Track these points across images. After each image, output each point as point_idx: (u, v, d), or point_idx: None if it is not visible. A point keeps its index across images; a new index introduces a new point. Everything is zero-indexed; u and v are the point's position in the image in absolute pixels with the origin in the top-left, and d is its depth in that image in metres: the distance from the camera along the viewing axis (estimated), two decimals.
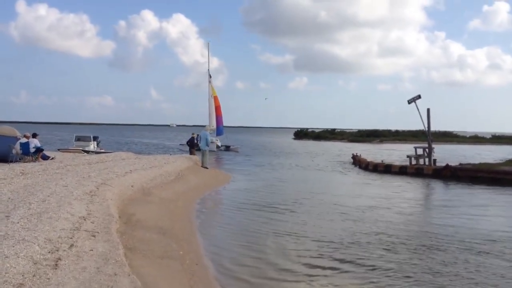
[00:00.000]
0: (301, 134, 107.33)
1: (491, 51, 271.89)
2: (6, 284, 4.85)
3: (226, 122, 50.41)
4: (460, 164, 27.74)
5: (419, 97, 29.05)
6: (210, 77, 49.35)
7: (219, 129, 48.01)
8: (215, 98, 48.05)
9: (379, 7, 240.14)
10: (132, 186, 13.41)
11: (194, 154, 27.44)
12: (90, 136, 34.55)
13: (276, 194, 18.24)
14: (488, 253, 9.80)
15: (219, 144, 47.65)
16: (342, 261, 9.04)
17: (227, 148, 49.21)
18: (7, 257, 5.50)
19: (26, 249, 5.87)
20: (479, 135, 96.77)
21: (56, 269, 5.51)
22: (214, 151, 42.66)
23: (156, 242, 8.31)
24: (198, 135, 27.35)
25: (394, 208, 15.36)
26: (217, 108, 47.80)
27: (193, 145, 28.36)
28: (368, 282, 7.85)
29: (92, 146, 32.98)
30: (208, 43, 52.26)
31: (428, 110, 28.99)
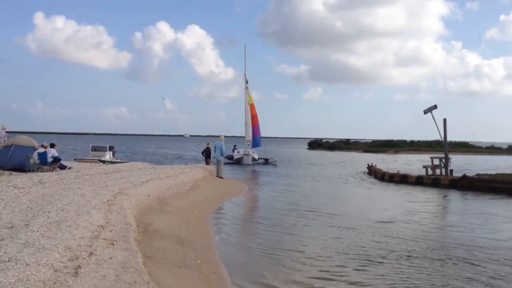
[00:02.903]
0: (315, 144, 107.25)
1: (508, 60, 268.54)
2: None
3: (238, 132, 47.65)
4: (477, 174, 27.40)
5: (435, 107, 28.85)
6: (247, 82, 45.84)
7: (256, 141, 44.84)
8: (252, 106, 44.55)
9: (396, 17, 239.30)
10: (148, 196, 13.47)
11: (209, 164, 27.51)
12: (106, 146, 34.80)
13: (294, 205, 18.14)
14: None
15: (256, 157, 43.91)
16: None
17: (266, 161, 45.20)
18: (28, 264, 5.54)
19: (46, 257, 5.91)
20: (495, 145, 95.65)
21: (76, 276, 5.54)
22: (249, 164, 41.12)
23: (173, 251, 8.31)
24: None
25: (417, 220, 15.18)
26: (254, 118, 44.48)
27: (208, 155, 28.43)
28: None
29: (108, 156, 33.20)
30: (245, 45, 49.16)
31: (445, 120, 28.75)
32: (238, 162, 41.62)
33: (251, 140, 44.70)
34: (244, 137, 46.31)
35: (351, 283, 8.23)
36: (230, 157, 42.02)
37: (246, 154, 42.14)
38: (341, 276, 8.64)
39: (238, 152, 43.22)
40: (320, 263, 9.52)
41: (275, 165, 42.97)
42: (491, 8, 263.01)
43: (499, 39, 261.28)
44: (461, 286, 8.22)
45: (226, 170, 31.03)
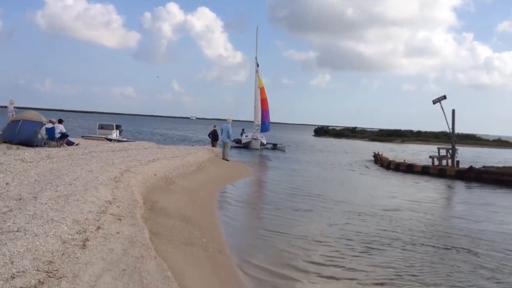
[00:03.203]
0: (321, 131, 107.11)
1: None
2: (36, 261, 4.92)
3: (246, 116, 46.89)
4: (484, 166, 27.30)
5: (444, 97, 28.68)
6: (258, 65, 44.92)
7: (265, 125, 44.12)
8: (262, 90, 43.84)
9: (408, 6, 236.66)
10: (155, 175, 13.50)
11: (215, 146, 27.54)
12: (113, 125, 34.96)
13: (299, 189, 18.16)
14: None
15: (265, 141, 43.18)
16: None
17: (274, 146, 44.34)
18: (36, 235, 5.59)
19: (54, 228, 5.96)
20: (503, 138, 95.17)
21: (84, 249, 5.58)
22: (257, 149, 40.34)
23: (179, 229, 8.35)
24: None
25: (422, 208, 15.18)
26: (263, 101, 43.76)
27: (215, 138, 28.43)
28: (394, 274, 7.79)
29: (115, 134, 33.33)
30: (257, 27, 47.42)
31: (453, 111, 28.64)
32: (246, 146, 41.22)
33: (260, 124, 44.12)
34: (252, 121, 45.74)
35: (353, 269, 8.24)
36: (238, 141, 41.78)
37: (255, 139, 41.54)
38: (343, 261, 8.66)
39: (246, 136, 42.74)
40: (322, 248, 9.53)
41: (283, 151, 42.26)
42: (504, 1, 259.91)
43: (511, 32, 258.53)
44: (465, 276, 8.23)
45: (234, 154, 31.14)
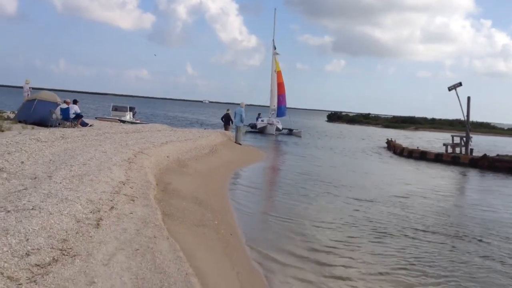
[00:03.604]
0: (335, 117, 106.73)
1: None
2: (51, 239, 4.99)
3: (262, 101, 46.44)
4: (498, 155, 27.02)
5: (460, 84, 28.37)
6: (275, 48, 43.62)
7: (281, 110, 43.13)
8: (279, 74, 42.55)
9: None
10: (168, 157, 13.56)
11: (228, 130, 27.56)
12: (127, 107, 35.11)
13: (311, 175, 18.14)
14: None
15: (280, 126, 42.20)
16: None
17: (290, 131, 43.53)
18: (51, 213, 5.65)
19: (69, 207, 6.02)
20: None
21: (98, 228, 5.64)
22: (273, 134, 39.39)
23: (192, 211, 8.40)
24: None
25: (435, 196, 15.10)
26: (280, 86, 42.67)
27: (228, 121, 28.43)
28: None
29: (128, 116, 33.49)
30: (275, 9, 45.00)
31: (469, 98, 28.29)
32: (262, 131, 40.51)
33: (276, 109, 43.24)
34: (267, 106, 44.96)
35: (366, 253, 8.26)
36: (253, 126, 41.39)
37: (270, 124, 40.69)
38: (355, 246, 8.68)
39: (262, 120, 42.14)
40: (334, 233, 9.54)
41: (299, 136, 41.37)
42: None
43: None
44: (479, 262, 8.20)
45: (249, 139, 31.11)
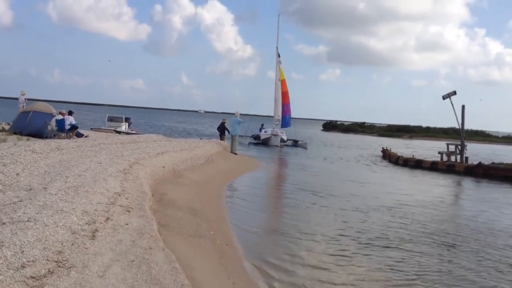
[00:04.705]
0: (330, 126, 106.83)
1: None
2: (46, 251, 4.97)
3: (256, 110, 45.51)
4: (493, 163, 27.14)
5: (454, 93, 28.54)
6: (279, 56, 41.52)
7: (285, 120, 40.76)
8: (283, 82, 40.67)
9: (421, 1, 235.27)
10: (163, 167, 13.56)
11: (223, 140, 27.61)
12: (122, 117, 35.12)
13: (306, 185, 18.16)
14: None
15: (285, 137, 39.52)
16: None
17: (295, 143, 40.75)
18: (46, 225, 5.64)
19: (64, 219, 6.01)
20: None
21: (93, 239, 5.63)
22: (277, 146, 37.18)
23: (187, 221, 8.40)
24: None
25: (431, 204, 15.14)
26: (284, 95, 40.55)
27: (223, 131, 28.49)
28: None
29: (124, 127, 33.48)
30: (279, 15, 43.99)
31: (463, 106, 28.45)
32: (265, 142, 38.28)
33: (280, 119, 40.83)
34: (270, 116, 42.68)
35: (358, 267, 8.25)
36: (256, 137, 39.63)
37: (274, 135, 38.50)
38: (349, 258, 8.65)
39: (265, 131, 39.81)
40: (329, 245, 9.48)
41: (305, 148, 39.15)
42: None
43: None
44: (474, 274, 8.22)
45: (252, 151, 30.98)
